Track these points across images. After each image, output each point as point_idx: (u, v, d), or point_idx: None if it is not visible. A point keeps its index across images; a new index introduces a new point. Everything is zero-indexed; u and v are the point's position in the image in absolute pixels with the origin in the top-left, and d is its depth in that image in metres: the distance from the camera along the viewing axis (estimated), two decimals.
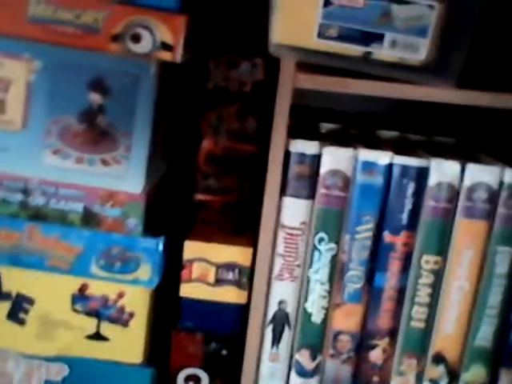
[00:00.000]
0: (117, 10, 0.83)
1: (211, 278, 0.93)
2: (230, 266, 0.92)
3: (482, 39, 0.82)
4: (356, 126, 1.01)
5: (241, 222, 1.01)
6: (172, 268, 0.93)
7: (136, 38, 0.83)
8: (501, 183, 0.83)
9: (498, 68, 0.90)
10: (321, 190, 0.85)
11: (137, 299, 0.92)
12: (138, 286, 0.90)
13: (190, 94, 1.02)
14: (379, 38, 0.77)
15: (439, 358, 0.89)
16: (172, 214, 1.03)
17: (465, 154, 0.90)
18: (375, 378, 0.90)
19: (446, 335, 0.88)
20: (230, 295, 0.93)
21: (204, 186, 1.04)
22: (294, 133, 0.86)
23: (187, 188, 1.03)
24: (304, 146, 0.84)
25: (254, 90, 1.02)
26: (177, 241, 0.93)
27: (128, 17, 0.83)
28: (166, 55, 0.83)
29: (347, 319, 0.88)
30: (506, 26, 0.92)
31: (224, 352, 0.93)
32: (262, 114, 1.01)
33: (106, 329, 0.92)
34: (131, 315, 0.92)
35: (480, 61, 0.85)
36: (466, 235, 0.85)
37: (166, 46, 0.83)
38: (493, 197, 0.84)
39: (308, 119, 0.98)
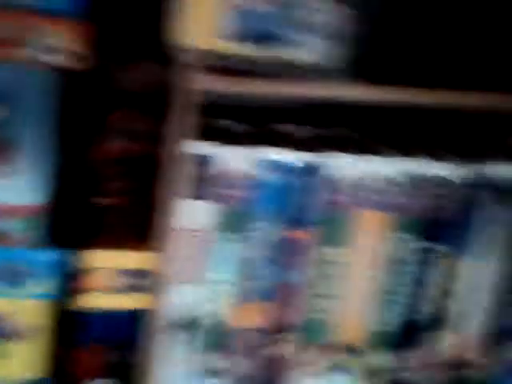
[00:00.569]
0: (23, 18, 0.81)
1: (114, 286, 0.92)
2: (132, 272, 0.92)
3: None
4: (253, 120, 1.03)
5: (141, 226, 1.02)
6: (74, 278, 0.92)
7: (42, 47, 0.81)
8: (399, 174, 0.87)
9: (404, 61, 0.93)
10: (223, 191, 0.86)
11: (36, 313, 0.90)
12: (37, 300, 0.89)
13: (89, 97, 1.02)
14: (280, 38, 0.79)
15: (346, 347, 0.93)
16: (71, 221, 1.02)
17: (363, 146, 0.92)
18: (286, 371, 0.93)
19: (352, 325, 0.92)
20: (136, 301, 0.92)
21: (103, 189, 1.04)
22: (191, 133, 0.86)
23: (87, 192, 1.03)
24: (203, 147, 0.85)
25: (154, 92, 1.02)
26: (77, 249, 0.92)
27: (34, 25, 0.81)
28: (72, 63, 0.83)
29: (255, 316, 0.90)
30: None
31: (130, 359, 0.94)
32: (162, 115, 1.02)
33: (5, 345, 0.90)
34: (31, 329, 0.90)
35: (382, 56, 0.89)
36: (367, 226, 0.88)
37: (72, 54, 0.83)
38: (391, 187, 0.87)
39: (204, 116, 0.99)
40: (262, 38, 0.79)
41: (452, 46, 0.93)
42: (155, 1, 0.89)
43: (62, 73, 0.84)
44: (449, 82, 0.86)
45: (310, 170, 0.86)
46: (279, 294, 0.90)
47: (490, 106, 0.85)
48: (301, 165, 0.86)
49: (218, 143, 0.86)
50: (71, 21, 0.82)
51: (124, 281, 0.92)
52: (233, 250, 0.87)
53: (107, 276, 0.91)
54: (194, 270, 0.88)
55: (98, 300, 0.91)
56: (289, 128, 0.99)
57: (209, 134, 0.90)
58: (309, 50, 0.79)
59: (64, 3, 0.82)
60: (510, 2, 0.93)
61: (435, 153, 0.91)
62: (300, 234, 0.88)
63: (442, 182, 0.87)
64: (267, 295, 0.90)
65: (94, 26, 0.84)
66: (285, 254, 0.89)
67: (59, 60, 0.83)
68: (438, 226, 0.89)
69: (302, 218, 0.87)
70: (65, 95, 0.87)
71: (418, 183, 0.87)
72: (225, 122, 0.99)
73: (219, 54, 0.80)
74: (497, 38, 0.94)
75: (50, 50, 0.82)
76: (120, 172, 1.02)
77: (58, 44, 0.82)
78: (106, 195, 1.02)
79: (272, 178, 0.86)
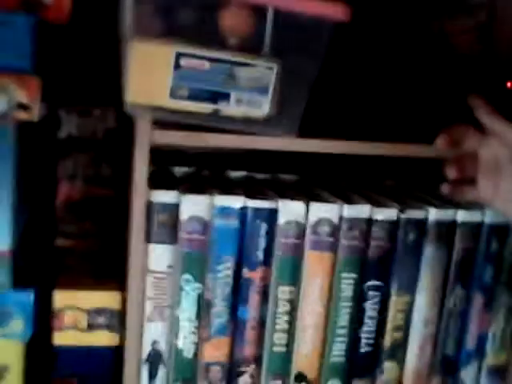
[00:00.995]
0: None
1: (83, 324, 1.00)
2: (100, 311, 1.00)
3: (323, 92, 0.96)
4: (206, 166, 1.11)
5: (103, 267, 1.09)
6: (44, 317, 0.99)
7: None
8: (341, 218, 0.96)
9: (340, 118, 1.04)
10: (183, 235, 0.95)
11: (10, 352, 0.96)
12: (10, 340, 0.95)
13: (43, 142, 1.08)
14: (226, 96, 0.88)
15: (300, 377, 1.00)
16: (38, 262, 1.08)
17: (307, 192, 1.02)
18: None
19: (305, 356, 0.99)
20: (103, 339, 1.01)
21: (64, 232, 1.10)
22: (151, 179, 0.93)
23: (49, 235, 1.09)
24: (164, 196, 0.94)
25: (107, 137, 1.10)
26: (45, 289, 0.99)
27: None
28: (22, 115, 0.89)
29: (216, 351, 0.98)
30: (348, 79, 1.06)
31: None
32: (116, 158, 1.09)
33: None
34: (5, 368, 0.96)
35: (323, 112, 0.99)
36: (315, 266, 0.97)
37: (22, 107, 0.89)
38: (335, 230, 0.96)
39: (161, 162, 1.07)
40: (205, 95, 0.87)
41: (380, 103, 1.04)
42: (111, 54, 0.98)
43: (14, 124, 0.89)
44: (378, 134, 0.97)
45: (262, 215, 0.95)
46: (237, 329, 0.97)
47: (411, 154, 0.96)
48: (254, 210, 0.95)
49: (175, 192, 0.94)
50: (26, 76, 0.88)
51: (93, 319, 0.99)
52: (192, 290, 0.96)
53: (77, 315, 0.99)
54: (157, 309, 0.96)
55: (70, 337, 0.99)
56: (239, 174, 1.10)
57: (165, 181, 0.99)
58: (253, 106, 0.88)
59: (11, 58, 0.88)
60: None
61: (368, 197, 1.02)
62: (254, 274, 0.97)
63: (376, 223, 0.97)
64: (226, 331, 0.97)
65: (40, 78, 0.89)
66: (241, 292, 0.97)
67: (9, 112, 0.88)
68: (373, 264, 0.98)
69: (255, 259, 0.96)
70: (19, 144, 0.92)
71: (355, 225, 0.96)
72: (179, 169, 1.08)
73: (168, 109, 0.87)
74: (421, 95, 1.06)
75: (9, 104, 0.87)
76: (81, 215, 1.09)
77: (5, 97, 0.88)
78: (68, 237, 1.08)
79: (227, 222, 0.94)
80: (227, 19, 0.86)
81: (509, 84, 1.04)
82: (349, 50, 1.02)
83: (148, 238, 0.94)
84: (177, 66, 0.86)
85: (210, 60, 0.86)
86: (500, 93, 1.02)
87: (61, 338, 0.99)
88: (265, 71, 0.87)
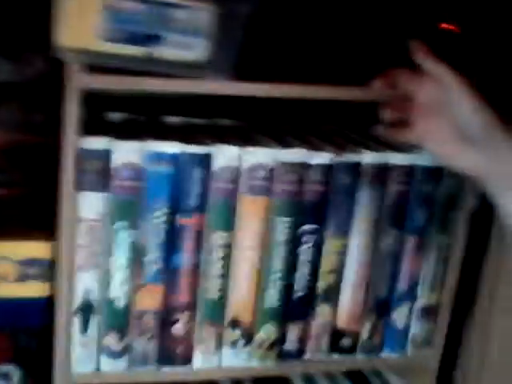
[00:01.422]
0: None
1: (13, 275, 0.98)
2: (30, 262, 0.98)
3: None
4: (142, 111, 1.09)
5: (34, 216, 1.07)
6: None
7: None
8: (276, 162, 0.96)
9: (276, 61, 1.03)
10: (115, 182, 0.93)
11: None
12: None
13: None
14: (159, 39, 0.86)
15: (235, 323, 1.01)
16: None
17: (245, 137, 1.02)
18: (180, 349, 1.01)
19: (240, 302, 1.01)
20: (34, 290, 0.99)
21: None
22: (83, 125, 0.91)
23: None
24: (95, 143, 0.92)
25: (39, 82, 1.07)
26: None
27: None
28: None
29: (149, 299, 0.98)
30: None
31: (34, 345, 1.00)
32: (48, 104, 1.06)
33: None
34: None
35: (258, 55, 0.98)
36: (250, 210, 0.98)
37: None
38: (270, 175, 0.97)
39: (93, 107, 1.05)
40: (138, 37, 0.85)
41: (316, 45, 1.04)
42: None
43: None
44: (315, 77, 0.97)
45: (196, 160, 0.94)
46: (171, 277, 0.98)
47: (348, 97, 0.97)
48: (187, 155, 0.94)
49: (107, 136, 0.92)
50: None
51: (23, 270, 0.98)
52: (126, 237, 0.95)
53: (7, 266, 0.97)
54: (89, 257, 0.95)
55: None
56: (175, 120, 1.08)
57: (98, 127, 0.97)
58: (186, 48, 0.87)
59: None
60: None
61: (306, 141, 1.02)
62: (189, 221, 0.96)
63: (311, 168, 0.98)
64: (160, 278, 0.97)
65: None
66: (175, 239, 0.97)
67: None
68: (308, 207, 0.99)
69: (189, 205, 0.96)
70: None
71: (290, 169, 0.97)
72: (113, 115, 1.06)
73: (99, 53, 0.85)
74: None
75: None
76: (10, 163, 1.06)
77: None
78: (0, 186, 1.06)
79: (160, 168, 0.93)
80: None
81: (442, 25, 1.05)
82: None
83: (79, 186, 0.92)
84: (107, 6, 0.84)
85: (143, 1, 0.85)
86: (433, 34, 1.04)
87: None
88: (200, 13, 0.86)
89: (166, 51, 0.87)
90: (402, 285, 1.06)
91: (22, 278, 0.99)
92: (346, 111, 1.11)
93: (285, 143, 1.00)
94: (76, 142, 0.90)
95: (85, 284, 0.96)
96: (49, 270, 0.99)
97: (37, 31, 0.98)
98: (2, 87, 1.03)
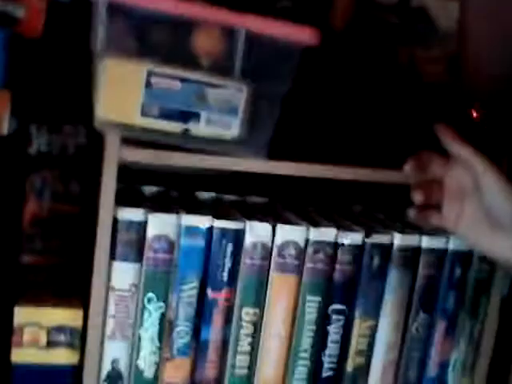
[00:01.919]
0: None
1: (43, 342, 1.00)
2: (60, 329, 1.00)
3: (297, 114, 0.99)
4: (176, 187, 1.13)
5: (68, 284, 1.09)
6: (3, 334, 0.99)
7: None
8: (307, 241, 0.99)
9: (307, 141, 1.07)
10: (148, 254, 0.96)
11: None
12: None
13: (12, 157, 1.10)
14: (196, 116, 0.90)
15: None
16: (1, 278, 1.08)
17: (275, 214, 1.04)
18: None
19: (267, 379, 1.01)
20: (63, 357, 1.01)
21: (29, 248, 1.11)
22: (119, 197, 0.95)
23: (13, 251, 1.10)
24: (131, 214, 0.95)
25: (77, 154, 1.11)
26: (7, 306, 0.99)
27: None
28: None
29: (177, 372, 0.99)
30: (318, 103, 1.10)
31: None
32: (85, 175, 1.10)
33: None
34: None
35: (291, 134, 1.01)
36: (279, 288, 0.99)
37: None
38: (300, 253, 0.99)
39: (130, 181, 1.09)
40: (176, 114, 0.89)
41: (348, 127, 1.08)
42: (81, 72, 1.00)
43: None
44: (347, 158, 1.00)
45: (228, 235, 0.97)
46: (199, 351, 0.99)
47: (379, 179, 0.99)
48: (220, 230, 0.97)
49: (141, 210, 0.96)
50: None
51: (53, 336, 0.99)
52: (156, 309, 0.97)
53: (37, 332, 0.99)
54: (119, 327, 0.97)
55: (29, 355, 0.98)
56: (206, 195, 1.11)
57: (133, 199, 1.01)
58: (223, 127, 0.91)
59: None
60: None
61: (334, 220, 1.05)
62: (219, 295, 0.98)
63: (342, 247, 0.99)
64: (188, 352, 0.99)
65: (10, 92, 0.91)
66: (205, 313, 0.98)
67: None
68: (338, 287, 1.00)
69: (220, 279, 0.97)
70: None
71: (321, 248, 0.99)
72: (147, 188, 1.10)
73: (138, 127, 0.89)
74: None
75: None
76: (47, 232, 1.10)
77: None
78: (33, 254, 1.09)
79: (193, 242, 0.96)
80: (199, 40, 0.88)
81: (473, 114, 1.08)
82: (319, 75, 1.05)
83: (113, 256, 0.95)
84: (148, 84, 0.88)
85: (181, 80, 0.89)
86: (465, 122, 1.06)
87: (19, 356, 0.99)
88: (235, 92, 0.90)
89: (202, 128, 0.90)
90: (432, 369, 1.06)
91: (52, 344, 1.00)
92: (373, 192, 1.14)
93: (314, 222, 1.02)
94: (112, 213, 0.94)
95: (113, 353, 0.98)
96: (78, 337, 1.01)
97: (77, 104, 1.04)
98: (41, 157, 1.08)
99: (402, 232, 1.02)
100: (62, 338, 1.01)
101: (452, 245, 1.03)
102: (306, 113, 1.04)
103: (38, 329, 0.99)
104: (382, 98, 1.09)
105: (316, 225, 1.00)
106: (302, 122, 1.03)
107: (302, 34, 0.88)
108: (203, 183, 1.13)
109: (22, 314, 0.99)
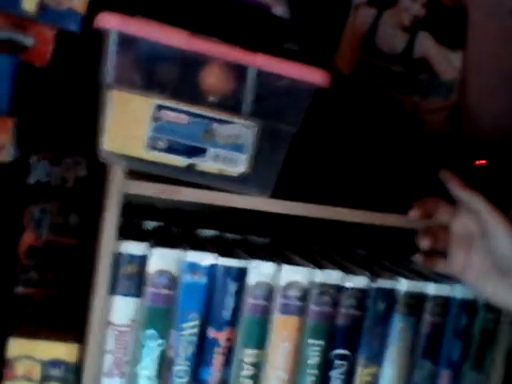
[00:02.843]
0: None
1: (36, 376, 0.99)
2: (55, 363, 1.00)
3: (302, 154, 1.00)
4: (175, 223, 1.13)
5: (64, 317, 1.09)
6: None
7: None
8: (311, 282, 0.98)
9: (313, 180, 1.07)
10: (149, 289, 0.95)
11: None
12: None
13: (11, 188, 1.10)
14: (202, 151, 0.91)
15: None
16: None
17: (277, 254, 1.04)
18: None
19: None
20: None
21: (25, 279, 1.11)
22: (119, 230, 0.94)
23: (8, 282, 1.10)
24: (133, 248, 0.95)
25: (77, 186, 1.12)
26: (1, 338, 0.98)
27: None
28: None
29: None
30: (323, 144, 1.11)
31: None
32: (84, 207, 1.11)
33: None
34: None
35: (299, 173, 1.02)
36: (282, 329, 0.98)
37: None
38: (305, 294, 0.98)
39: (130, 215, 1.08)
40: (182, 148, 0.90)
41: (351, 171, 1.09)
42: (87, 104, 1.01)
43: None
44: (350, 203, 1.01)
45: (232, 274, 0.97)
46: None
47: (384, 223, 0.99)
48: (223, 268, 0.96)
49: (144, 244, 0.95)
50: (1, 117, 0.91)
51: (47, 371, 0.99)
52: (155, 346, 0.96)
53: (31, 365, 0.98)
54: (116, 364, 0.96)
55: None
56: (208, 233, 1.12)
57: (134, 233, 1.00)
58: (229, 163, 0.91)
59: None
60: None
61: (340, 264, 1.04)
62: (220, 334, 0.98)
63: (346, 291, 0.99)
64: None
65: (14, 119, 0.92)
66: (205, 352, 0.97)
67: None
68: (341, 332, 0.99)
69: (222, 318, 0.97)
70: None
71: (325, 291, 0.98)
72: (149, 223, 1.10)
73: (143, 160, 0.90)
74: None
75: None
76: (43, 263, 1.10)
77: None
78: (29, 286, 1.09)
79: (195, 278, 0.96)
80: (208, 77, 0.89)
81: (476, 162, 1.09)
82: (326, 117, 1.07)
83: (113, 290, 0.95)
84: (155, 117, 0.89)
85: (189, 114, 0.89)
86: (467, 170, 1.07)
87: None
88: (243, 129, 0.91)
89: (208, 164, 0.91)
90: None
91: (46, 379, 0.99)
92: (376, 237, 1.14)
93: (318, 264, 1.01)
94: (113, 245, 0.93)
95: None
96: (73, 373, 1.00)
97: (79, 135, 1.05)
98: (40, 188, 1.09)
99: (407, 278, 1.02)
100: (56, 372, 1.00)
101: (458, 292, 1.02)
102: (313, 155, 1.05)
103: (32, 362, 0.99)
104: (385, 144, 1.11)
105: (320, 267, 1.00)
106: (309, 164, 1.04)
107: (313, 76, 0.89)
108: (203, 221, 1.14)
109: (16, 346, 0.99)
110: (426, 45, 1.14)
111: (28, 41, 0.96)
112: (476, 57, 1.13)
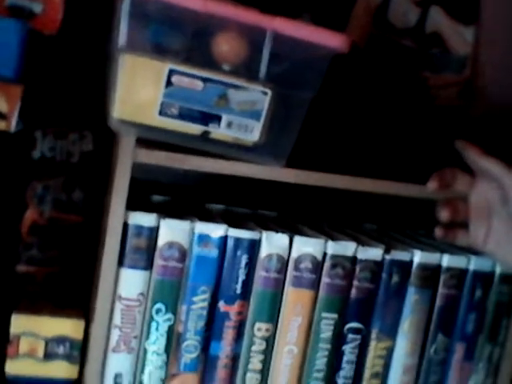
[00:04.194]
0: None
1: (40, 353, 0.98)
2: (60, 340, 0.98)
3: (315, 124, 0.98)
4: (184, 198, 1.12)
5: (67, 294, 1.07)
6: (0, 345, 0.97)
7: None
8: (324, 254, 0.97)
9: (327, 150, 1.07)
10: (158, 262, 0.94)
11: None
12: None
13: (14, 162, 1.08)
14: (217, 118, 0.89)
15: None
16: None
17: (288, 227, 1.03)
18: None
19: None
20: (61, 370, 0.98)
21: (27, 257, 1.09)
22: (127, 203, 0.93)
23: (10, 260, 1.08)
24: (142, 219, 0.93)
25: (82, 161, 1.10)
26: (3, 315, 0.97)
27: None
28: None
29: None
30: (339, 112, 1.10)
31: None
32: (89, 184, 1.09)
33: None
34: None
35: (311, 142, 1.01)
36: (294, 303, 0.98)
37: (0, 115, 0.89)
38: (317, 267, 0.97)
39: (136, 191, 1.08)
40: (196, 115, 0.88)
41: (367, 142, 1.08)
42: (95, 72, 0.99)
43: None
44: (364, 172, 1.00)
45: (243, 246, 0.95)
46: (208, 366, 0.97)
47: (403, 193, 0.99)
48: (235, 240, 0.95)
49: (153, 215, 0.94)
50: (8, 84, 0.88)
51: (52, 348, 0.97)
52: (164, 321, 0.95)
53: (35, 342, 0.97)
54: (123, 340, 0.95)
55: (25, 366, 0.96)
56: (218, 207, 1.11)
57: (145, 206, 0.99)
58: (244, 130, 0.89)
59: None
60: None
61: (353, 236, 1.04)
62: (231, 308, 0.96)
63: (360, 263, 0.99)
64: (196, 367, 0.97)
65: (22, 87, 0.89)
66: (216, 327, 0.97)
67: None
68: (355, 305, 0.99)
69: (233, 292, 0.96)
70: None
71: (339, 263, 0.97)
72: (158, 198, 1.09)
73: (156, 128, 0.88)
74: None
75: None
76: (47, 241, 1.08)
77: None
78: (32, 264, 1.07)
79: (206, 251, 0.95)
80: (223, 44, 0.87)
81: None
82: (342, 87, 1.06)
83: (121, 262, 0.93)
84: (169, 82, 0.87)
85: (203, 80, 0.87)
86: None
87: (14, 367, 0.96)
88: (259, 96, 0.89)
89: (222, 131, 0.89)
90: None
91: (50, 356, 0.98)
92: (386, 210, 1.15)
93: (330, 236, 1.01)
94: (123, 217, 0.92)
95: (116, 368, 0.95)
96: (78, 350, 0.98)
97: (86, 109, 1.03)
98: (44, 163, 1.07)
99: (422, 249, 1.02)
100: (60, 349, 0.98)
101: (473, 265, 1.02)
102: (328, 124, 1.04)
103: (35, 339, 0.97)
104: (398, 116, 1.10)
105: (333, 239, 0.99)
106: (324, 132, 1.03)
107: (333, 40, 0.87)
108: (210, 196, 1.13)
109: (20, 323, 0.97)
110: (438, 19, 1.13)
111: (37, 7, 0.93)
112: (489, 32, 1.13)
